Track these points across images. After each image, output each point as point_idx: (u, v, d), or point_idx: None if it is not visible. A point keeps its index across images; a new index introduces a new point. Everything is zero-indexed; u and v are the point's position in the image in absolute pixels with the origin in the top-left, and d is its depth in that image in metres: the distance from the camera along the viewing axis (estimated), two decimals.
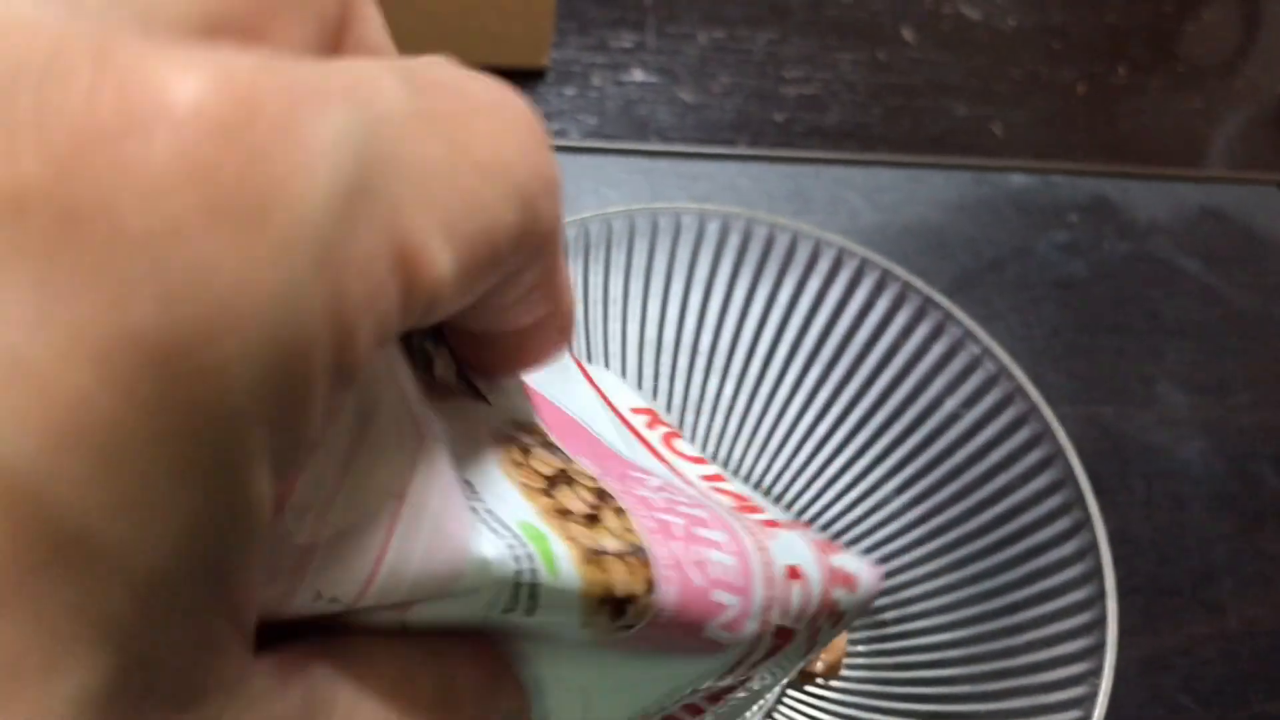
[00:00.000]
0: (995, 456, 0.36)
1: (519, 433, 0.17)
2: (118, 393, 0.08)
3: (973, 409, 0.37)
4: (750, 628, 0.18)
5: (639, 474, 0.19)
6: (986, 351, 0.37)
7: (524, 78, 0.52)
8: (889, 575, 0.36)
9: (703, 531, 0.17)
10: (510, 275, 0.12)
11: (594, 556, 0.15)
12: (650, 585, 0.15)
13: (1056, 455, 0.35)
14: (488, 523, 0.14)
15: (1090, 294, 0.49)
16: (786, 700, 0.35)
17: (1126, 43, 0.59)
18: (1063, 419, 0.35)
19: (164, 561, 0.09)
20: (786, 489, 0.38)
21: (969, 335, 0.37)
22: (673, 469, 0.21)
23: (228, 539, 0.10)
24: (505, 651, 0.15)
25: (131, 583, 0.09)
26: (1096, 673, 0.31)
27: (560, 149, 0.50)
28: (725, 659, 0.18)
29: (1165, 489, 0.44)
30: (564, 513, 0.15)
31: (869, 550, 0.37)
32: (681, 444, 0.23)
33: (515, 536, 0.14)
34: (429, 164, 0.11)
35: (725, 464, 0.39)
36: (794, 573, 0.19)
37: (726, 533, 0.18)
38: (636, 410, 0.23)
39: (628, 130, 0.51)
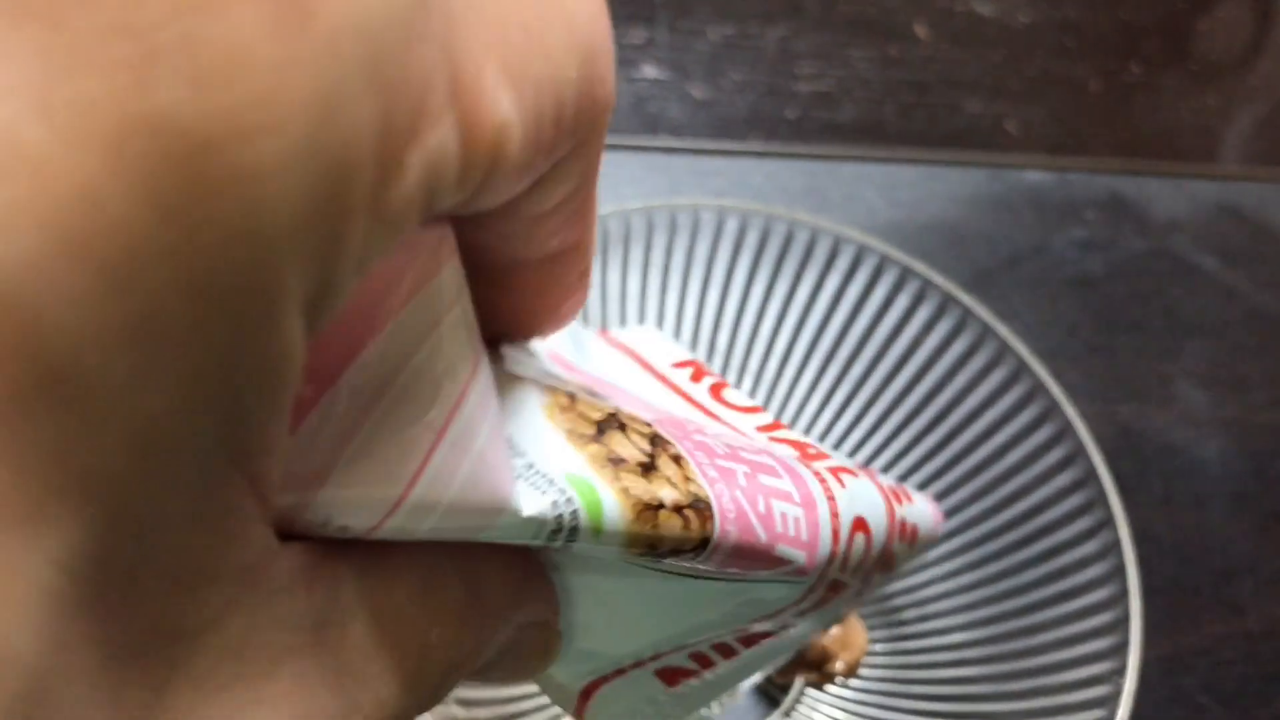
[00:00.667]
0: (1016, 455, 0.36)
1: (558, 381, 0.15)
2: (133, 190, 0.07)
3: (993, 406, 0.36)
4: (807, 581, 0.17)
5: (692, 424, 0.18)
6: (1006, 347, 0.36)
7: None
8: (908, 574, 0.36)
9: (769, 480, 0.16)
10: (558, 166, 0.11)
11: (647, 511, 0.13)
12: (706, 538, 0.14)
13: (1078, 453, 0.34)
14: (529, 479, 0.13)
15: (1108, 292, 0.48)
16: (806, 699, 0.34)
17: (1140, 39, 0.59)
18: (1081, 417, 0.35)
19: (168, 411, 0.08)
20: None
21: (989, 331, 0.37)
22: (725, 423, 0.20)
23: (248, 391, 0.08)
24: (536, 555, 0.14)
25: (127, 431, 0.07)
26: (1120, 672, 0.31)
27: None
28: (772, 602, 0.17)
29: (1184, 488, 0.43)
30: (616, 461, 0.14)
31: None
32: (731, 394, 0.21)
33: (559, 490, 0.13)
34: None
35: None
36: (860, 525, 0.18)
37: (794, 482, 0.17)
38: (678, 365, 0.21)
39: (639, 127, 0.51)
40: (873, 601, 0.36)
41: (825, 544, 0.17)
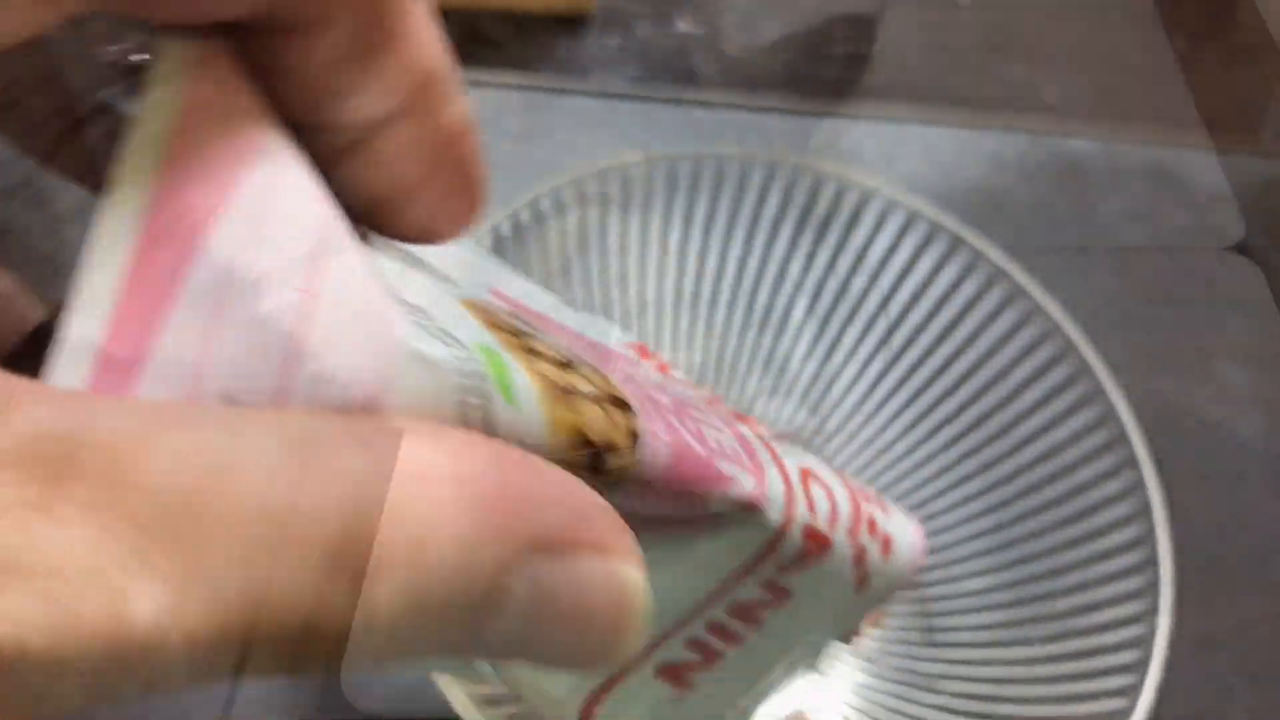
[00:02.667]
0: (1046, 413, 0.34)
1: (477, 297, 0.14)
2: None
3: (1022, 363, 0.35)
4: (772, 507, 0.15)
5: (619, 359, 0.17)
6: (1038, 308, 0.35)
7: (567, 24, 0.50)
8: (931, 534, 0.35)
9: (695, 412, 0.15)
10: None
11: (562, 394, 0.12)
12: (634, 435, 0.12)
13: (1109, 415, 0.33)
14: (431, 331, 0.11)
15: (1150, 264, 0.47)
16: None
17: (1184, 13, 0.57)
18: (1111, 377, 0.34)
19: None
20: (828, 442, 0.37)
21: (1020, 291, 0.35)
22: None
23: None
24: None
25: None
26: (1149, 638, 0.30)
27: (607, 96, 0.48)
28: (741, 547, 0.16)
29: (1223, 466, 0.42)
30: (531, 352, 0.12)
31: (912, 509, 0.35)
32: (675, 371, 0.20)
33: (466, 351, 0.11)
34: None
35: (770, 421, 0.38)
36: (809, 474, 0.17)
37: (719, 418, 0.16)
38: (627, 345, 0.20)
39: (670, 81, 0.50)
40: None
41: (774, 478, 0.16)
